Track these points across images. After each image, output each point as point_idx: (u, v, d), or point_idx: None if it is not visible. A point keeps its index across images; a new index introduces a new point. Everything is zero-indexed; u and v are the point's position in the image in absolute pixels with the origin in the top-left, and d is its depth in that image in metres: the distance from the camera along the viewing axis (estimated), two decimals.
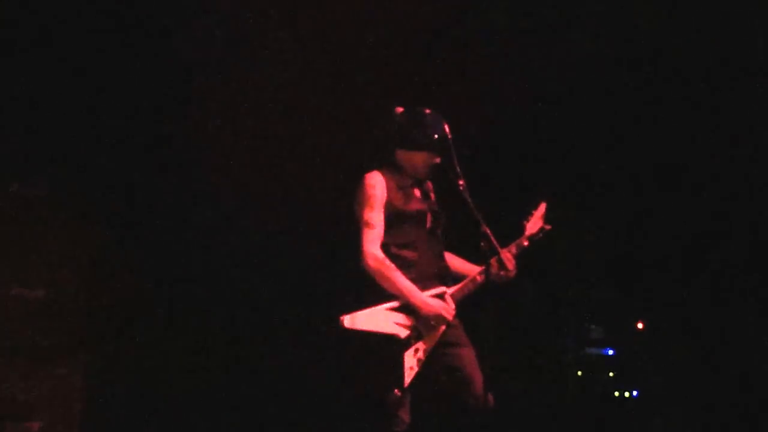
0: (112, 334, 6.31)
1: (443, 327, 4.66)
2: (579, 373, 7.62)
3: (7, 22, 5.96)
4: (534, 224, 4.99)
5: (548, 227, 5.01)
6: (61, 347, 6.04)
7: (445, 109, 4.88)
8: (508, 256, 4.81)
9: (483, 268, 4.72)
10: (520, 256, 4.89)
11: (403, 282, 4.58)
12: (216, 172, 6.42)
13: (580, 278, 7.43)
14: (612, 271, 7.46)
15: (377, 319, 4.54)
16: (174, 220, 6.42)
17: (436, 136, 4.76)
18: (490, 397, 4.65)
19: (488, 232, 4.68)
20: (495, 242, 4.68)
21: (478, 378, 4.67)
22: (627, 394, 7.58)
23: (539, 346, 7.49)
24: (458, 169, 4.70)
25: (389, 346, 4.53)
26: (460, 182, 4.70)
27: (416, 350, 4.60)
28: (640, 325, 7.74)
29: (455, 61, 6.53)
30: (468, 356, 4.73)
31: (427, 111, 4.83)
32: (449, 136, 4.76)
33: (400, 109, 4.90)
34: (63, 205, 6.18)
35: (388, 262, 4.58)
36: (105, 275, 6.30)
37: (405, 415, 4.55)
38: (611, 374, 7.66)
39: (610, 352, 7.72)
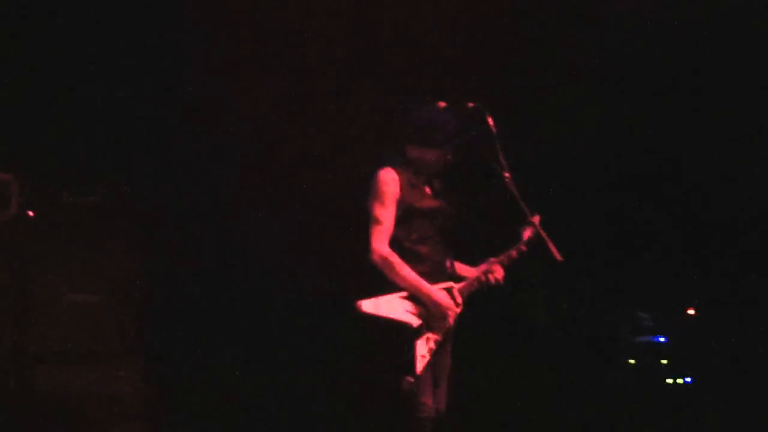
0: (167, 336, 6.43)
1: (452, 320, 4.73)
2: (631, 361, 7.60)
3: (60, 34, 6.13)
4: (528, 233, 4.99)
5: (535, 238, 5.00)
6: (118, 351, 6.16)
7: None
8: (497, 265, 4.87)
9: (486, 267, 4.83)
10: (513, 264, 4.93)
11: (410, 275, 4.65)
12: (257, 171, 6.55)
13: (628, 265, 7.41)
14: (661, 256, 7.42)
15: (392, 306, 4.63)
16: (222, 223, 6.54)
17: (449, 133, 4.80)
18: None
19: (536, 222, 4.76)
20: (543, 232, 4.74)
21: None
22: (680, 381, 7.54)
23: (590, 336, 7.48)
24: (503, 161, 4.74)
25: (401, 334, 4.61)
26: (506, 174, 4.75)
27: (428, 339, 4.67)
28: (691, 312, 7.70)
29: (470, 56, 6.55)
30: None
31: (442, 107, 4.85)
32: (493, 129, 4.76)
33: (415, 105, 4.94)
34: (116, 211, 6.30)
35: (393, 257, 4.65)
36: (158, 279, 6.44)
37: (428, 400, 4.62)
38: (664, 362, 7.62)
39: (662, 339, 7.68)
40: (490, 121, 4.79)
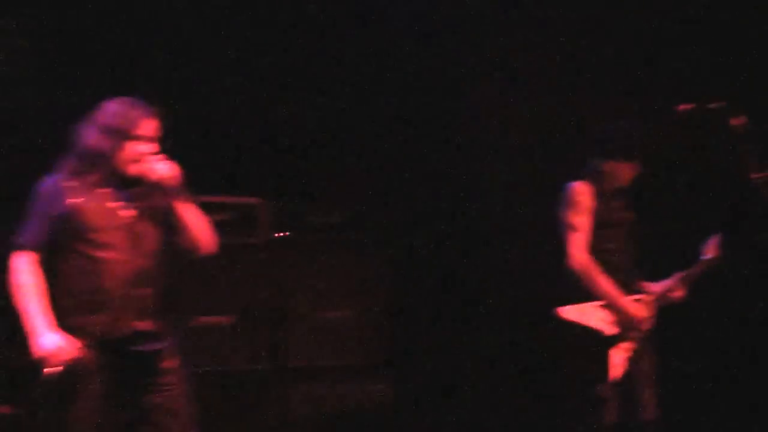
0: (417, 350, 6.63)
1: (644, 332, 4.81)
2: None
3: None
4: (710, 251, 5.03)
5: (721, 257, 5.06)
6: (371, 365, 6.36)
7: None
8: (680, 283, 4.98)
9: (671, 284, 4.94)
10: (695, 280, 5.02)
11: (607, 285, 4.73)
12: (482, 183, 6.78)
13: None
14: None
15: (589, 314, 4.74)
16: (460, 240, 6.75)
17: (642, 147, 4.86)
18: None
19: None
20: None
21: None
22: None
23: None
24: (756, 162, 4.57)
25: (598, 341, 4.72)
26: (759, 175, 4.56)
27: (623, 349, 4.77)
28: None
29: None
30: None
31: (637, 121, 4.98)
32: (740, 129, 4.54)
33: (612, 120, 4.99)
34: (365, 229, 6.54)
35: (593, 264, 4.72)
36: (405, 294, 6.64)
37: (613, 411, 4.71)
38: None
39: None
40: (737, 121, 4.62)
